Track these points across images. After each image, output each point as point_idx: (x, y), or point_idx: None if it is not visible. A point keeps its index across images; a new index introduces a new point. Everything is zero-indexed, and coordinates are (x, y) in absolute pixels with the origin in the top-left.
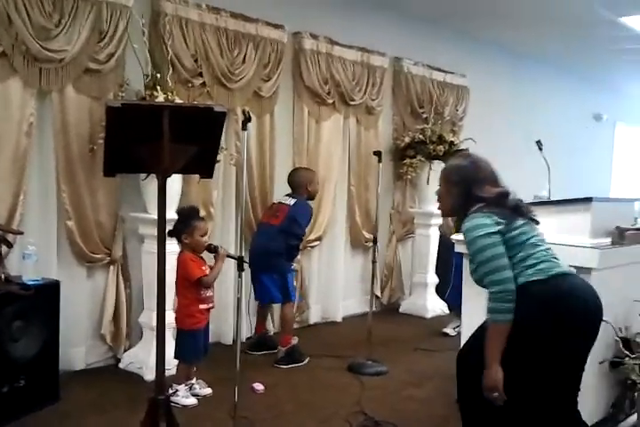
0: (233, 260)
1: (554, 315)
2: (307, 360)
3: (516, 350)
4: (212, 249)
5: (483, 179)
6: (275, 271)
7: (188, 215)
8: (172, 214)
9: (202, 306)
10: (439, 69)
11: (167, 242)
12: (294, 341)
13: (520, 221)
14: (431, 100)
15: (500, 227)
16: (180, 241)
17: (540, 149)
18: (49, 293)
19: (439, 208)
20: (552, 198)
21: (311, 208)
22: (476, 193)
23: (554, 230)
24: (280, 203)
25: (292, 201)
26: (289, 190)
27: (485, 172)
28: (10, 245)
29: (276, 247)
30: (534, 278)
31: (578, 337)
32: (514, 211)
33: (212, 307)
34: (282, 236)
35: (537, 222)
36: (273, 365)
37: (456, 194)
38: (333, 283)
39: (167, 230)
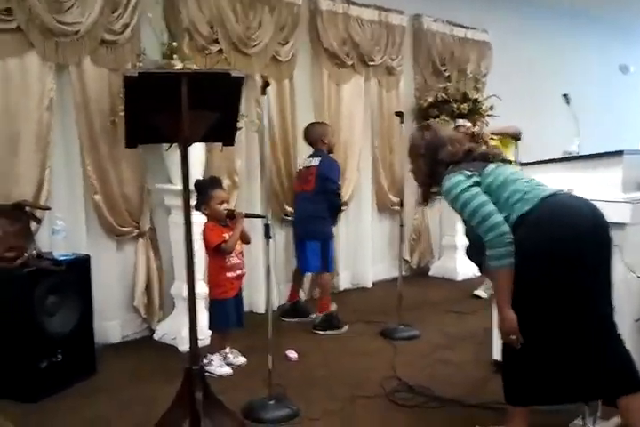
0: (259, 221)
1: (554, 232)
2: (345, 328)
3: (529, 285)
4: (230, 214)
5: (443, 143)
6: (317, 238)
7: (204, 186)
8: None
9: (229, 274)
10: (460, 26)
11: (193, 212)
12: (333, 307)
13: (491, 166)
14: (453, 58)
15: (473, 179)
16: (202, 212)
17: (568, 102)
18: (80, 267)
19: (418, 184)
20: (582, 153)
21: (337, 162)
22: (442, 158)
23: (585, 185)
24: (306, 167)
25: (316, 161)
26: None
27: (444, 137)
28: (39, 221)
29: (318, 211)
30: (525, 208)
31: (585, 246)
32: (482, 160)
33: (243, 274)
34: (320, 198)
35: (509, 162)
36: (311, 330)
37: (425, 164)
38: (361, 248)
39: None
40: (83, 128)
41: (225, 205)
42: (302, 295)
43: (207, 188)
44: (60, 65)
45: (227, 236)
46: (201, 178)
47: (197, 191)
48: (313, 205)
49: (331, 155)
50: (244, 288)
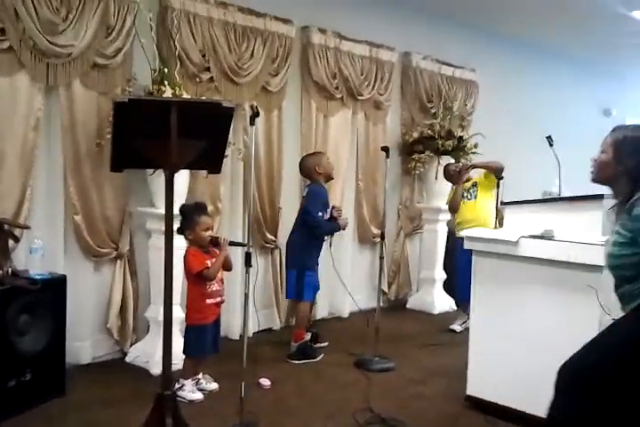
0: (240, 249)
1: None
2: (320, 357)
3: None
4: (214, 241)
5: None
6: (294, 266)
7: (189, 211)
8: (178, 209)
9: (209, 300)
10: (448, 64)
11: (174, 237)
12: (307, 337)
13: None
14: (440, 95)
15: None
16: (185, 237)
17: (551, 144)
18: (56, 287)
19: (593, 175)
20: (562, 195)
21: (321, 188)
22: None
23: (564, 227)
24: (303, 197)
25: (305, 191)
26: (296, 185)
27: None
28: (17, 240)
29: (296, 240)
30: None
31: None
32: None
33: (222, 301)
34: (301, 228)
35: None
36: (285, 360)
37: (628, 168)
38: (340, 278)
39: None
40: (68, 149)
41: (209, 232)
42: (278, 323)
43: (193, 213)
44: (50, 86)
45: (209, 262)
46: (186, 203)
47: (183, 216)
48: (294, 235)
49: (325, 184)
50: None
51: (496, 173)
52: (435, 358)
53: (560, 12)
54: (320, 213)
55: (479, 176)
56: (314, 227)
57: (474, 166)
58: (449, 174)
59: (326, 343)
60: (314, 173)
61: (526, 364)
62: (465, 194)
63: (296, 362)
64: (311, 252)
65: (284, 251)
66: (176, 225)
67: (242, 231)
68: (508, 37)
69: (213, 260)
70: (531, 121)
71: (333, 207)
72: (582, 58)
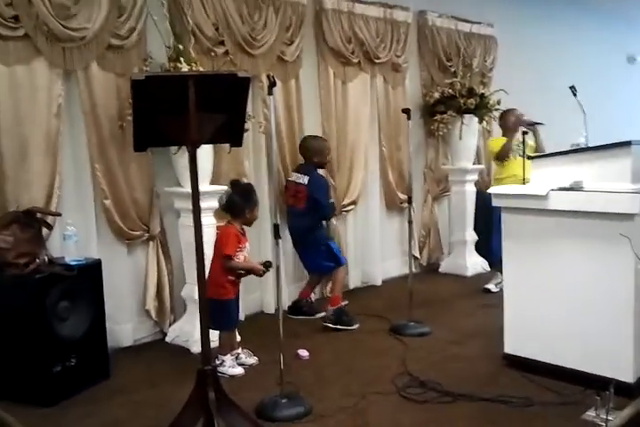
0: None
1: None
2: (356, 326)
3: None
4: (267, 265)
5: None
6: (318, 244)
7: (250, 191)
8: (205, 187)
9: (230, 277)
10: (465, 20)
11: (203, 214)
12: (344, 303)
13: None
14: (459, 53)
15: None
16: (238, 215)
17: (575, 94)
18: (92, 272)
19: None
20: (590, 145)
21: (325, 179)
22: None
23: (593, 177)
24: (295, 183)
25: (305, 179)
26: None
27: None
28: (50, 227)
29: (309, 225)
30: None
31: None
32: None
33: (239, 283)
34: (312, 213)
35: None
36: (322, 328)
37: None
38: (371, 246)
39: (224, 206)
40: (91, 133)
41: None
42: (313, 295)
43: (253, 193)
44: (68, 71)
45: (242, 247)
46: (242, 182)
47: (244, 195)
48: (307, 220)
49: (320, 170)
50: (254, 289)
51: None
52: (470, 319)
53: None
54: (332, 200)
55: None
56: (331, 209)
57: (534, 130)
58: (509, 119)
59: (323, 313)
60: (314, 158)
61: (562, 318)
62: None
63: (330, 326)
64: (324, 225)
65: None
66: (212, 203)
67: (268, 205)
68: None
69: (245, 245)
70: (553, 73)
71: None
72: (603, 4)
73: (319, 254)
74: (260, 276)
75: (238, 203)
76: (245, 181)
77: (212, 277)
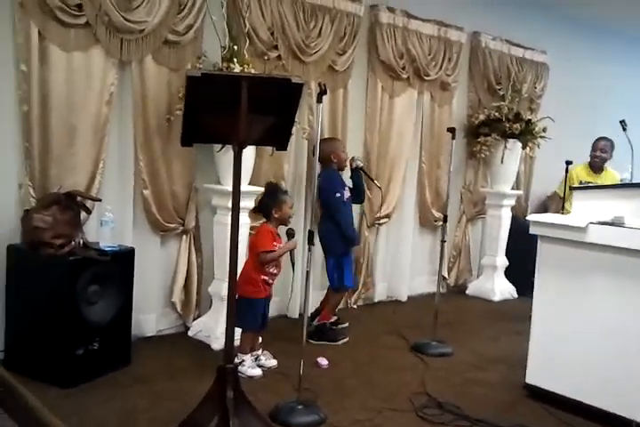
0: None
1: None
2: (342, 341)
3: None
4: (291, 233)
5: None
6: (329, 253)
7: (275, 190)
8: (244, 187)
9: (263, 277)
10: (518, 45)
11: (240, 213)
12: (331, 319)
13: None
14: (509, 77)
15: None
16: (268, 216)
17: (625, 129)
18: (124, 259)
19: None
20: (634, 181)
21: (337, 173)
22: None
23: (635, 214)
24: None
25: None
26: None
27: None
28: (89, 212)
29: (325, 230)
30: None
31: None
32: None
33: (272, 284)
34: (324, 218)
35: None
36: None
37: None
38: (400, 261)
39: (255, 207)
40: (139, 124)
41: (293, 210)
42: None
43: (280, 192)
44: (123, 61)
45: (277, 245)
46: (271, 182)
47: (269, 194)
48: (322, 224)
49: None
50: (279, 293)
51: None
52: (493, 344)
53: None
54: (338, 194)
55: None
56: (339, 210)
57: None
58: (591, 153)
59: (347, 324)
60: (327, 159)
61: (588, 354)
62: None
63: (313, 342)
64: (345, 236)
65: None
66: (249, 202)
67: (303, 210)
68: (579, 19)
69: (280, 245)
70: (602, 105)
71: (353, 158)
72: None
73: (328, 265)
74: (292, 251)
75: (265, 203)
76: (283, 184)
77: (244, 276)
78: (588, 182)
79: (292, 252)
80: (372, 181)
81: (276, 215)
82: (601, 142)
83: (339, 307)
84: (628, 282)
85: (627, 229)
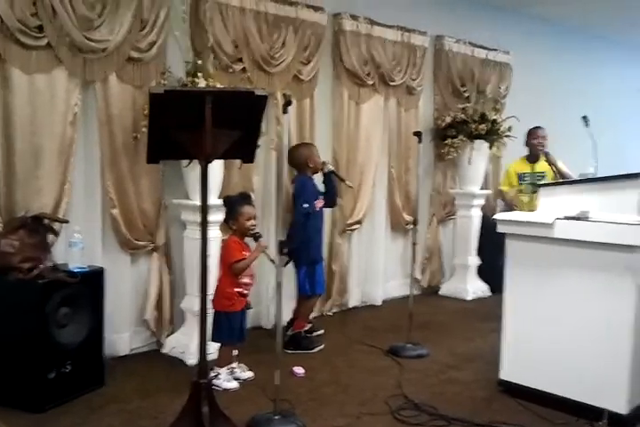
0: (273, 232)
1: None
2: (317, 349)
3: None
4: (257, 236)
5: None
6: (300, 261)
7: (233, 201)
8: (213, 200)
9: (237, 289)
10: (481, 47)
11: (209, 227)
12: (306, 327)
13: None
14: (473, 79)
15: None
16: (230, 228)
17: (587, 125)
18: (94, 280)
19: None
20: (598, 176)
21: (311, 181)
22: None
23: (600, 208)
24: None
25: (292, 188)
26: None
27: None
28: (56, 234)
29: (295, 236)
30: None
31: None
32: None
33: (247, 294)
34: (295, 222)
35: None
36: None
37: None
38: (373, 266)
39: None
40: (105, 143)
41: (252, 221)
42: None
43: (237, 203)
44: (86, 81)
45: (246, 254)
46: (230, 194)
47: (227, 206)
48: (291, 231)
49: (313, 176)
50: (253, 304)
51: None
52: (468, 343)
53: None
54: (306, 205)
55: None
56: (297, 219)
57: (554, 165)
58: (531, 142)
59: (322, 331)
60: (303, 165)
61: (559, 347)
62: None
63: (289, 352)
64: (314, 245)
65: None
66: (220, 216)
67: (275, 221)
68: (540, 18)
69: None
70: (566, 102)
71: (324, 163)
72: (616, 36)
73: (300, 272)
74: (265, 247)
75: (225, 216)
76: (253, 196)
77: (219, 290)
78: (525, 173)
79: (265, 252)
80: (344, 181)
81: (234, 227)
82: (539, 130)
83: (313, 315)
84: (595, 275)
85: (592, 223)
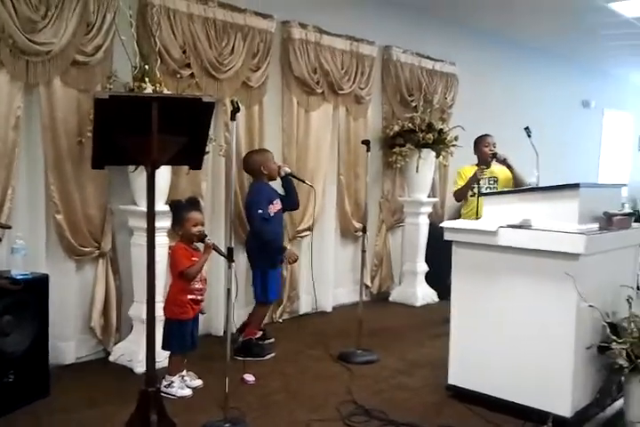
0: (223, 244)
1: None
2: (268, 356)
3: None
4: (200, 237)
5: None
6: (255, 268)
7: (178, 207)
8: (161, 206)
9: (190, 296)
10: (428, 57)
11: (157, 234)
12: (256, 335)
13: None
14: (420, 89)
15: None
16: (177, 234)
17: (529, 135)
18: (38, 287)
19: None
20: (540, 185)
21: (265, 187)
22: None
23: (542, 216)
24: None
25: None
26: (277, 180)
27: None
28: None
29: (250, 242)
30: None
31: None
32: None
33: (202, 300)
34: (251, 231)
35: None
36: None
37: None
38: (323, 273)
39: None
40: (49, 148)
41: (199, 227)
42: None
43: (183, 209)
44: (29, 84)
45: (195, 260)
46: (176, 199)
47: (173, 212)
48: (249, 238)
49: (270, 182)
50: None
51: (516, 185)
52: (418, 349)
53: (535, 5)
54: (260, 211)
55: (502, 172)
56: (255, 226)
57: (509, 166)
58: (481, 149)
59: (272, 339)
60: (258, 171)
61: (504, 352)
62: (482, 185)
63: (240, 358)
64: (270, 250)
65: None
66: (167, 222)
67: (224, 227)
68: (486, 31)
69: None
70: (510, 113)
71: (280, 166)
72: (560, 50)
73: (254, 278)
74: (215, 249)
75: (172, 220)
76: (202, 202)
77: (171, 298)
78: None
79: (217, 250)
80: (303, 182)
81: (180, 233)
82: (488, 138)
83: (264, 322)
84: (538, 281)
85: (534, 231)
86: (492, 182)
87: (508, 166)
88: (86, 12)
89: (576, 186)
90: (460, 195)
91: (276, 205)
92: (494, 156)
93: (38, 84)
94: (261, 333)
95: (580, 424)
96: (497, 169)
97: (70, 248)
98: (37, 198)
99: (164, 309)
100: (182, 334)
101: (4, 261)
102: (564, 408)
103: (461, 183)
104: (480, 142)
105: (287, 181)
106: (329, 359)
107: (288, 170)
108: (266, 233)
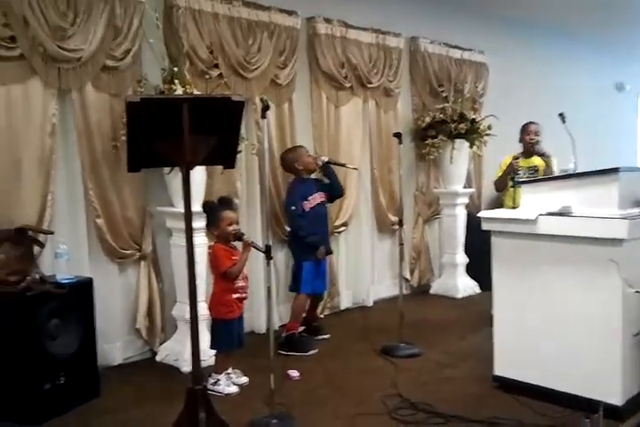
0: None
1: None
2: (312, 352)
3: None
4: (237, 236)
5: None
6: (294, 259)
7: (211, 208)
8: (197, 207)
9: (235, 295)
10: (456, 47)
11: (195, 234)
12: (299, 329)
13: None
14: (450, 79)
15: None
16: (213, 235)
17: (564, 121)
18: (83, 290)
19: None
20: (579, 171)
21: (301, 184)
22: None
23: (582, 203)
24: None
25: None
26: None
27: None
28: (42, 246)
29: (289, 237)
30: None
31: None
32: None
33: (246, 297)
34: (289, 224)
35: None
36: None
37: None
38: (362, 268)
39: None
40: (85, 153)
41: (234, 226)
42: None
43: (216, 209)
44: (62, 91)
45: (236, 259)
46: (209, 199)
47: (207, 213)
48: (289, 233)
49: (310, 176)
50: (245, 309)
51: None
52: (461, 341)
53: None
54: (294, 208)
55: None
56: (290, 223)
57: (546, 161)
58: (524, 137)
59: (328, 335)
60: (293, 168)
61: (551, 341)
62: (522, 174)
63: (283, 353)
64: (303, 244)
65: None
66: (200, 223)
67: (260, 226)
68: (514, 18)
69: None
70: (543, 100)
71: (316, 158)
72: (592, 34)
73: (294, 270)
74: (252, 245)
75: (207, 221)
76: (237, 201)
77: (216, 297)
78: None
79: (254, 246)
80: (344, 165)
81: (215, 233)
82: (532, 126)
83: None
84: (581, 268)
85: (574, 218)
86: (532, 172)
87: (545, 162)
88: (113, 17)
89: (615, 170)
90: (499, 185)
91: (313, 201)
92: (533, 145)
93: (71, 91)
94: (315, 326)
95: (632, 412)
96: (539, 159)
97: (112, 251)
98: (77, 203)
99: (210, 309)
100: (230, 333)
101: (48, 267)
102: (615, 397)
103: (500, 173)
104: (523, 131)
105: (327, 168)
106: (372, 354)
107: (325, 159)
108: (301, 228)
